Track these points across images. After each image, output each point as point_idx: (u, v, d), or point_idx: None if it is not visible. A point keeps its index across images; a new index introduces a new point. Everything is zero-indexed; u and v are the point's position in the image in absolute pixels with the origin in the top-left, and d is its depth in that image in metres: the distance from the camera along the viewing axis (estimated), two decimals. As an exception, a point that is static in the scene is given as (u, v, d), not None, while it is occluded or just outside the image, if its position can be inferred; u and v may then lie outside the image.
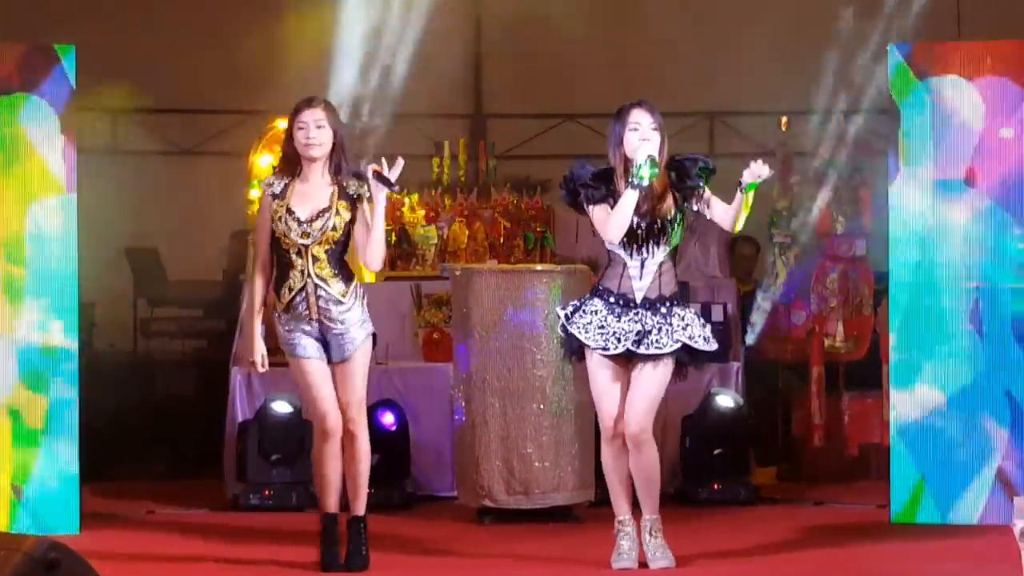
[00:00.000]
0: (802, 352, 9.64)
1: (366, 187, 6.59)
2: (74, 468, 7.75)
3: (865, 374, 9.55)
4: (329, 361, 6.66)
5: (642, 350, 6.47)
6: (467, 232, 9.58)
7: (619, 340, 6.48)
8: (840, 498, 8.72)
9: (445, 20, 10.51)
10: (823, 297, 9.69)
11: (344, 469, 6.73)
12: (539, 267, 8.43)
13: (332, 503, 6.74)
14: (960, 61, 7.80)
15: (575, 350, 6.60)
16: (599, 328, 6.50)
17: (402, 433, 8.70)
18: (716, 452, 8.67)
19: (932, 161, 7.79)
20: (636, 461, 6.55)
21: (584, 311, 6.55)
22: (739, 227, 6.54)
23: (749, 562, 6.91)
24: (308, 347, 6.63)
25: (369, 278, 8.47)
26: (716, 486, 8.65)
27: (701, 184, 6.52)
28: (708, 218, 6.59)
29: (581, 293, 7.61)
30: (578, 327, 6.53)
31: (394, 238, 9.48)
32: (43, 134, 7.74)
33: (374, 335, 6.73)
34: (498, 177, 9.99)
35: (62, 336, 7.74)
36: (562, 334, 6.62)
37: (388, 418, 8.65)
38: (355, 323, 6.63)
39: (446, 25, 10.64)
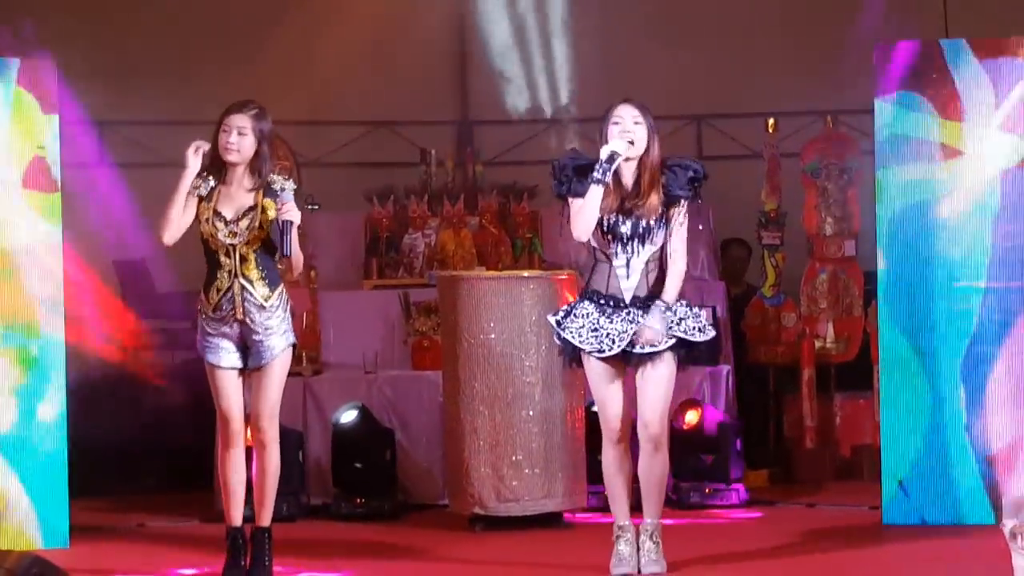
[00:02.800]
0: (793, 354, 9.65)
1: (282, 188, 6.57)
2: (62, 482, 7.75)
3: (856, 375, 9.53)
4: (246, 367, 6.68)
5: (638, 350, 6.46)
6: (455, 239, 9.59)
7: (614, 341, 6.47)
8: (833, 500, 8.73)
9: (429, 26, 10.54)
10: (813, 298, 9.73)
11: (252, 479, 6.74)
12: (527, 273, 8.42)
13: (236, 515, 6.75)
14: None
15: (573, 356, 6.60)
16: (592, 331, 6.49)
17: (391, 442, 8.68)
18: (706, 455, 8.69)
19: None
20: (651, 462, 6.53)
21: (575, 315, 6.53)
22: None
23: (742, 566, 6.91)
24: (224, 354, 6.65)
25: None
26: (708, 489, 8.65)
27: (687, 196, 6.48)
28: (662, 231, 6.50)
29: (568, 297, 7.65)
30: (571, 332, 6.51)
31: (382, 247, 9.55)
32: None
33: (294, 345, 6.72)
34: (485, 184, 9.99)
35: (49, 348, 7.77)
36: (558, 341, 6.61)
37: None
38: (276, 331, 6.64)
39: (430, 31, 10.66)
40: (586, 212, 6.38)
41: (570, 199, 6.47)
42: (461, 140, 10.90)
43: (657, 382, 6.50)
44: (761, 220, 9.78)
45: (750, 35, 10.61)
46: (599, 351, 6.48)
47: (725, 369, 9.08)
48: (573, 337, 6.51)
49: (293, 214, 6.55)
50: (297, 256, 6.65)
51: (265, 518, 6.77)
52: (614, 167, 6.38)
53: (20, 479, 7.72)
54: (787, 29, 10.55)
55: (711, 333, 6.55)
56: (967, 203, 7.83)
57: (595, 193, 6.36)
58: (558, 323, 6.55)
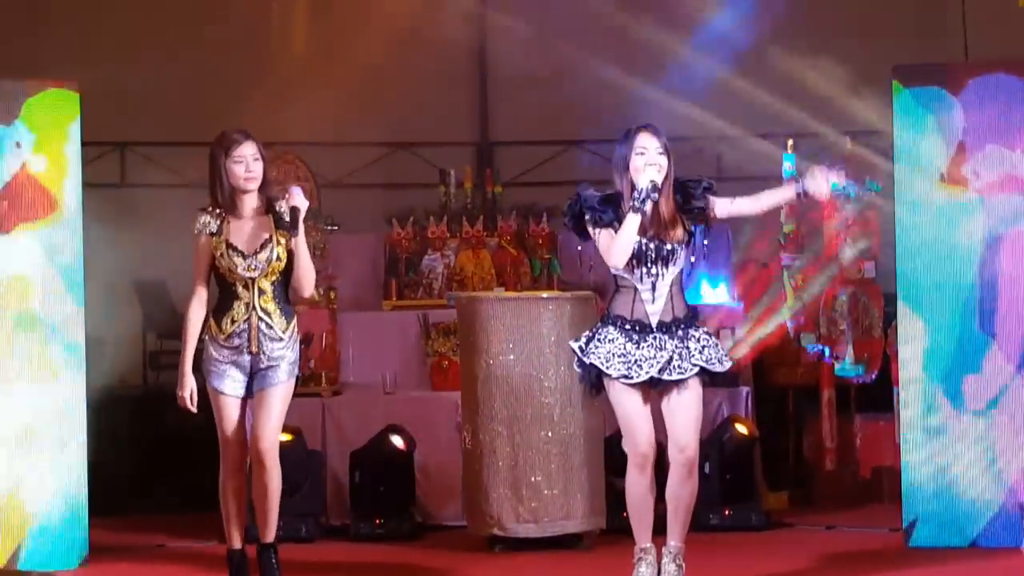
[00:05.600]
0: (813, 375, 9.59)
1: (286, 215, 6.67)
2: (83, 503, 7.79)
3: (876, 397, 9.45)
4: (251, 391, 6.73)
5: (667, 376, 6.47)
6: (474, 260, 9.66)
7: (642, 367, 6.47)
8: (853, 522, 8.73)
9: (449, 47, 10.56)
10: (833, 320, 9.62)
11: (253, 500, 6.81)
12: (545, 294, 8.41)
13: (237, 537, 6.84)
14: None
15: (594, 382, 6.56)
16: (620, 356, 6.47)
17: (410, 462, 8.71)
18: (726, 477, 8.69)
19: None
20: (683, 485, 6.50)
21: (599, 340, 6.52)
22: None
23: (761, 589, 6.96)
24: (230, 381, 6.71)
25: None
26: (727, 512, 8.65)
27: (704, 203, 6.53)
28: (728, 216, 6.59)
29: (588, 320, 7.64)
30: (597, 357, 6.49)
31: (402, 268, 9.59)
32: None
33: (298, 376, 6.82)
34: (504, 205, 10.06)
35: (70, 371, 7.81)
36: (578, 368, 6.59)
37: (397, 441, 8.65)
38: (287, 359, 6.71)
39: (450, 52, 10.69)
40: (623, 240, 6.42)
41: (597, 230, 6.51)
42: (480, 161, 10.98)
43: (688, 406, 6.50)
44: (780, 242, 9.68)
45: (768, 55, 10.60)
46: (626, 377, 6.48)
47: (744, 391, 9.10)
48: (599, 362, 6.48)
49: (299, 200, 6.60)
50: (309, 270, 6.67)
51: (269, 534, 6.85)
52: (654, 197, 6.45)
53: (40, 499, 7.75)
54: (805, 48, 10.53)
55: (728, 364, 6.60)
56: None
57: (632, 222, 6.41)
58: (581, 349, 6.53)
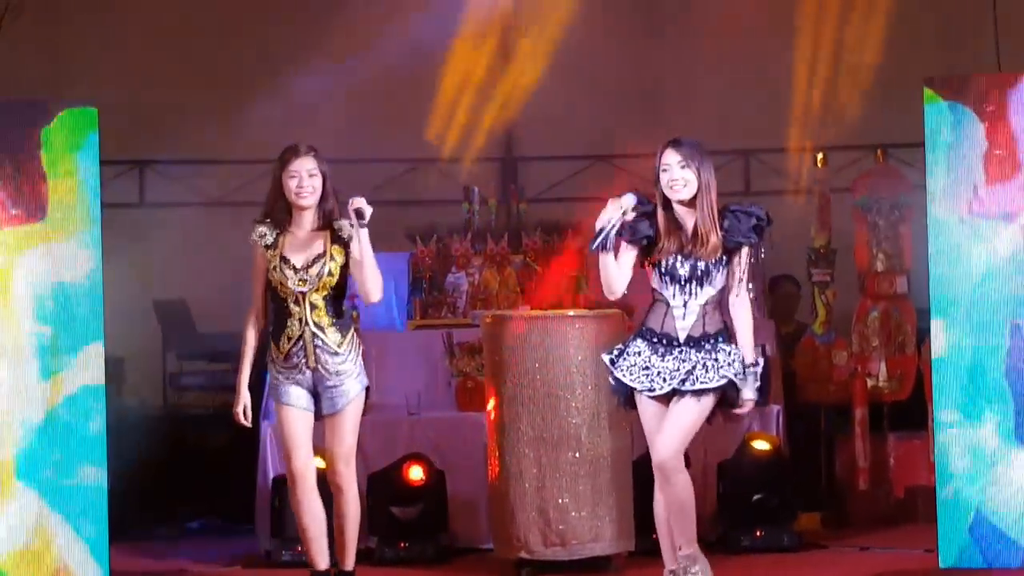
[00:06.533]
0: (844, 393, 9.58)
1: (349, 225, 6.64)
2: (103, 525, 7.73)
3: (910, 415, 9.44)
4: (320, 414, 6.69)
5: (687, 386, 6.41)
6: (498, 278, 9.58)
7: (664, 380, 6.42)
8: (887, 543, 8.65)
9: (472, 60, 10.52)
10: (865, 336, 9.64)
11: (333, 523, 6.72)
12: (572, 312, 8.36)
13: (317, 559, 6.76)
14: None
15: (627, 396, 6.53)
16: (643, 369, 6.44)
17: (438, 485, 8.68)
18: (755, 498, 8.63)
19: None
20: (666, 492, 6.43)
21: (628, 353, 6.48)
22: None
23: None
24: (296, 396, 6.68)
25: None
26: (758, 532, 8.59)
27: (750, 241, 6.43)
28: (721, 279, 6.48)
29: (615, 338, 7.57)
30: (622, 371, 6.47)
31: (425, 286, 9.54)
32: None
33: (367, 388, 6.77)
34: (529, 221, 9.98)
35: (91, 393, 7.77)
36: (612, 382, 6.56)
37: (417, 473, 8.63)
38: (350, 375, 6.69)
39: (473, 66, 10.64)
40: (605, 275, 6.44)
41: (601, 254, 6.46)
42: (505, 177, 10.94)
43: (681, 413, 6.40)
44: (811, 257, 9.74)
45: (797, 67, 10.55)
46: (649, 390, 6.44)
47: (775, 409, 9.01)
48: (624, 376, 6.46)
49: (361, 203, 6.59)
50: (373, 273, 6.64)
51: (347, 562, 6.79)
52: (609, 236, 6.37)
53: (60, 521, 7.71)
54: (835, 60, 10.48)
55: (757, 396, 6.48)
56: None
57: (604, 260, 6.42)
58: (611, 362, 6.52)
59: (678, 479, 6.44)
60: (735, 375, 6.41)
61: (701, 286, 6.44)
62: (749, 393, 6.45)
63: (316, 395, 6.68)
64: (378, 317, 9.51)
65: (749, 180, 10.83)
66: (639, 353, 6.45)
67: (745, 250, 6.45)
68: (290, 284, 6.62)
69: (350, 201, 6.66)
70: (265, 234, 6.72)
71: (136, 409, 10.24)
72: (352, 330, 6.74)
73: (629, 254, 6.47)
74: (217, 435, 10.26)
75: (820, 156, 9.81)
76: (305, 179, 6.67)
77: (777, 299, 10.18)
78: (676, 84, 10.66)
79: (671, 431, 6.41)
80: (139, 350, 10.16)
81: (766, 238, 6.48)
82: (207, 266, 10.35)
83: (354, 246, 6.65)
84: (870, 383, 9.56)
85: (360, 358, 6.75)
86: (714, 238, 6.41)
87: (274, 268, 6.66)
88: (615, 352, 6.54)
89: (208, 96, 10.40)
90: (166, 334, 10.48)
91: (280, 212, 6.72)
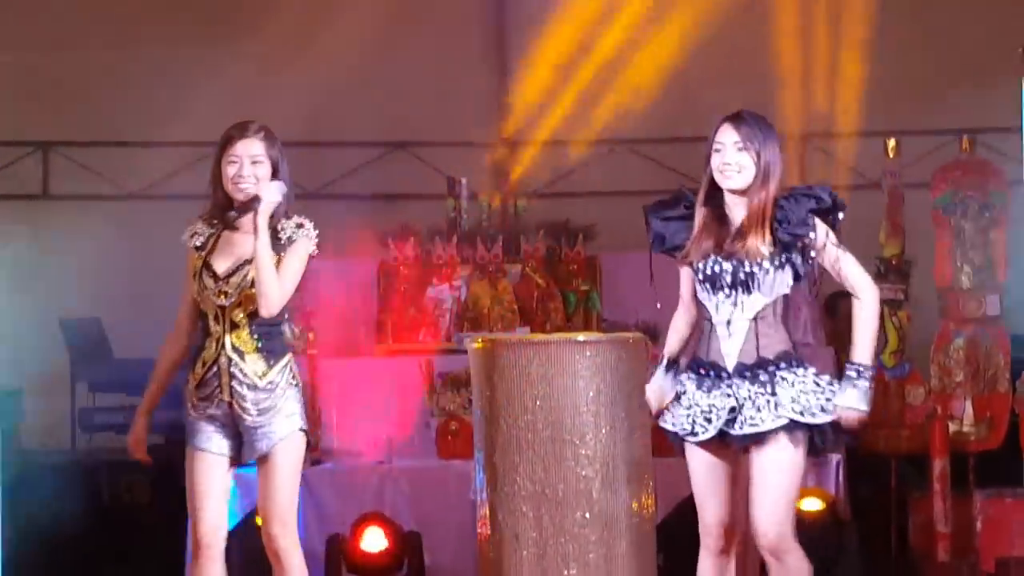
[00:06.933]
0: (921, 440, 9.47)
1: (290, 239, 6.40)
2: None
3: (1001, 467, 9.47)
4: (240, 460, 6.43)
5: (736, 430, 6.15)
6: (491, 293, 9.60)
7: (708, 421, 6.22)
8: (973, 627, 8.52)
9: (458, 19, 10.52)
10: (946, 369, 9.62)
11: None
12: (582, 337, 8.21)
13: None
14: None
15: (680, 445, 6.39)
16: (686, 408, 6.30)
17: (412, 551, 8.69)
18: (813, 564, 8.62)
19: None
20: None
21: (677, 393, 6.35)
22: None
23: None
24: (206, 437, 6.41)
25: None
26: (817, 608, 8.56)
27: (807, 235, 6.13)
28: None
29: (636, 369, 7.48)
30: (667, 412, 6.37)
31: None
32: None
33: (305, 431, 6.49)
34: (530, 222, 9.95)
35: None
36: (660, 424, 6.40)
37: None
38: (274, 414, 6.42)
39: (459, 26, 10.66)
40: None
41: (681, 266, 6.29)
42: (499, 166, 10.85)
43: (767, 472, 6.13)
44: (880, 269, 9.59)
45: (866, 41, 10.65)
46: (691, 434, 6.25)
47: (835, 459, 8.99)
48: (664, 419, 6.33)
49: (266, 192, 6.34)
50: (267, 282, 6.37)
51: None
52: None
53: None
54: (912, 30, 10.58)
55: (829, 417, 6.13)
56: None
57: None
58: (659, 414, 6.42)
59: (793, 560, 6.13)
60: (799, 414, 6.15)
61: (748, 292, 6.18)
62: (850, 400, 6.14)
63: (237, 436, 6.44)
64: (339, 340, 9.44)
65: (803, 171, 10.90)
66: (683, 388, 6.32)
67: (814, 238, 6.13)
68: (208, 295, 6.40)
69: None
70: (196, 233, 6.49)
71: (38, 455, 10.18)
72: (287, 357, 6.46)
73: (683, 273, 6.30)
74: (140, 486, 10.17)
75: (891, 143, 9.71)
76: (246, 166, 6.39)
77: (837, 323, 9.95)
78: (712, 57, 10.75)
79: (764, 502, 6.15)
80: (42, 380, 10.15)
81: (839, 226, 6.21)
82: (127, 276, 10.34)
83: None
84: (952, 428, 9.48)
85: (297, 393, 6.47)
86: (755, 236, 6.16)
87: (195, 275, 6.40)
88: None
89: (132, 62, 10.36)
90: (75, 360, 10.50)
91: (218, 206, 6.46)
